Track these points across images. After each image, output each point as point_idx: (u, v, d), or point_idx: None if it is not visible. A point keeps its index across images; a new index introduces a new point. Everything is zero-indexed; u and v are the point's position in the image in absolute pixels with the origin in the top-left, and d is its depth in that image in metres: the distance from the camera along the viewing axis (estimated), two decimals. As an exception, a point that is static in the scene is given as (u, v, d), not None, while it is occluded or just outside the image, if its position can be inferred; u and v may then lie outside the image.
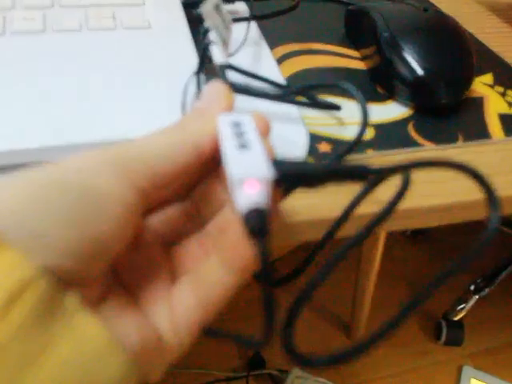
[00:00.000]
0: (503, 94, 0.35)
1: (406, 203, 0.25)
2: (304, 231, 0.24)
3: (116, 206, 0.14)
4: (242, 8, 0.36)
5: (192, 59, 0.28)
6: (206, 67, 0.26)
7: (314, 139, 0.28)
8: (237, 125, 0.17)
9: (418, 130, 0.31)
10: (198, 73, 0.25)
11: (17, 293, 0.12)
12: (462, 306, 1.05)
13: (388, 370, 1.01)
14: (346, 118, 0.31)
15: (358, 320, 1.04)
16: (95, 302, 0.15)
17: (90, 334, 0.13)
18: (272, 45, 0.36)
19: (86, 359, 0.13)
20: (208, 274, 0.17)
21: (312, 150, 0.27)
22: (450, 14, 0.45)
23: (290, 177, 0.15)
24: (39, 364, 0.12)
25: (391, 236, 1.12)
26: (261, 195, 0.14)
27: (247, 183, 0.14)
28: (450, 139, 0.30)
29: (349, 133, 0.30)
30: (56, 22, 0.28)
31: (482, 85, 0.36)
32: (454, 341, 1.05)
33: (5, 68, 0.26)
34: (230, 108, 0.18)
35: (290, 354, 0.15)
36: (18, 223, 0.13)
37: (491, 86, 0.36)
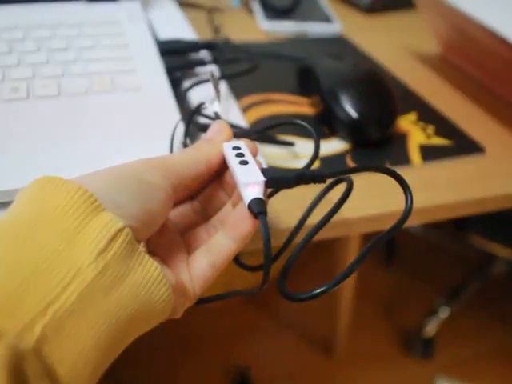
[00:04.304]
0: (424, 129, 0.44)
1: (343, 214, 0.34)
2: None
3: (161, 192, 0.22)
4: (213, 69, 0.45)
5: (173, 112, 0.36)
6: (193, 121, 0.34)
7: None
8: (236, 149, 0.26)
9: (354, 160, 0.39)
10: (187, 125, 0.33)
11: (115, 234, 0.19)
12: (431, 319, 1.12)
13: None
14: (300, 153, 0.39)
15: (338, 341, 1.10)
16: None
17: (152, 268, 0.20)
18: (238, 96, 0.45)
19: (149, 284, 0.20)
20: (216, 243, 0.24)
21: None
22: (388, 65, 0.54)
23: (273, 179, 0.24)
24: (126, 282, 0.19)
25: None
26: (258, 192, 0.23)
27: (250, 186, 0.23)
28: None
29: (302, 164, 0.38)
30: (67, 88, 0.36)
31: (407, 122, 0.45)
32: (426, 354, 1.11)
33: (28, 125, 0.33)
34: (230, 138, 0.27)
35: (283, 293, 0.24)
36: (106, 197, 0.20)
37: (415, 123, 0.45)
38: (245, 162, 0.24)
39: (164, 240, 0.25)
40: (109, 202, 0.20)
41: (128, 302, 0.19)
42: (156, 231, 0.23)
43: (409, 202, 0.26)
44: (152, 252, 0.24)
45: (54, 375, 0.17)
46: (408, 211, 0.26)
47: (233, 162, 0.25)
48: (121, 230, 0.19)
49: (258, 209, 0.22)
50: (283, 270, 0.25)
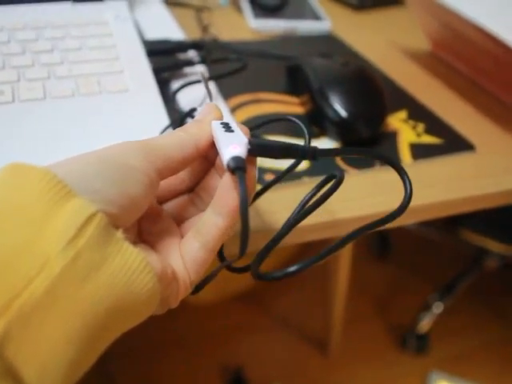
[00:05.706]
0: (414, 127, 0.44)
1: (336, 215, 0.33)
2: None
3: (142, 176, 0.21)
4: (201, 69, 0.44)
5: (161, 114, 0.36)
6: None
7: (261, 171, 0.36)
8: (224, 123, 0.25)
9: (344, 159, 0.39)
10: (180, 124, 0.33)
11: (87, 220, 0.18)
12: (425, 314, 1.12)
13: (360, 382, 1.07)
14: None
15: (332, 338, 1.10)
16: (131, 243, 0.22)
17: (133, 255, 0.19)
18: (227, 96, 0.44)
19: (130, 272, 0.19)
20: (204, 222, 0.23)
21: (259, 179, 0.35)
22: (377, 63, 0.54)
23: (258, 146, 0.23)
24: (102, 271, 0.18)
25: (357, 257, 1.20)
26: (240, 151, 0.21)
27: (231, 146, 0.21)
28: (369, 165, 0.39)
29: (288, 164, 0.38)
30: (53, 90, 0.36)
31: (397, 120, 0.45)
32: (420, 349, 1.12)
33: (14, 129, 0.33)
34: (219, 118, 0.26)
35: (255, 274, 0.22)
36: (80, 182, 0.19)
37: (405, 121, 0.45)
38: (230, 131, 0.23)
39: (158, 228, 0.24)
40: (84, 187, 0.19)
41: (105, 293, 0.18)
42: (147, 218, 0.22)
43: (408, 187, 0.24)
44: (145, 240, 0.24)
45: (18, 375, 0.15)
46: (409, 197, 0.24)
47: (219, 131, 0.23)
48: (93, 215, 0.18)
49: (235, 164, 0.20)
50: (259, 253, 0.23)
